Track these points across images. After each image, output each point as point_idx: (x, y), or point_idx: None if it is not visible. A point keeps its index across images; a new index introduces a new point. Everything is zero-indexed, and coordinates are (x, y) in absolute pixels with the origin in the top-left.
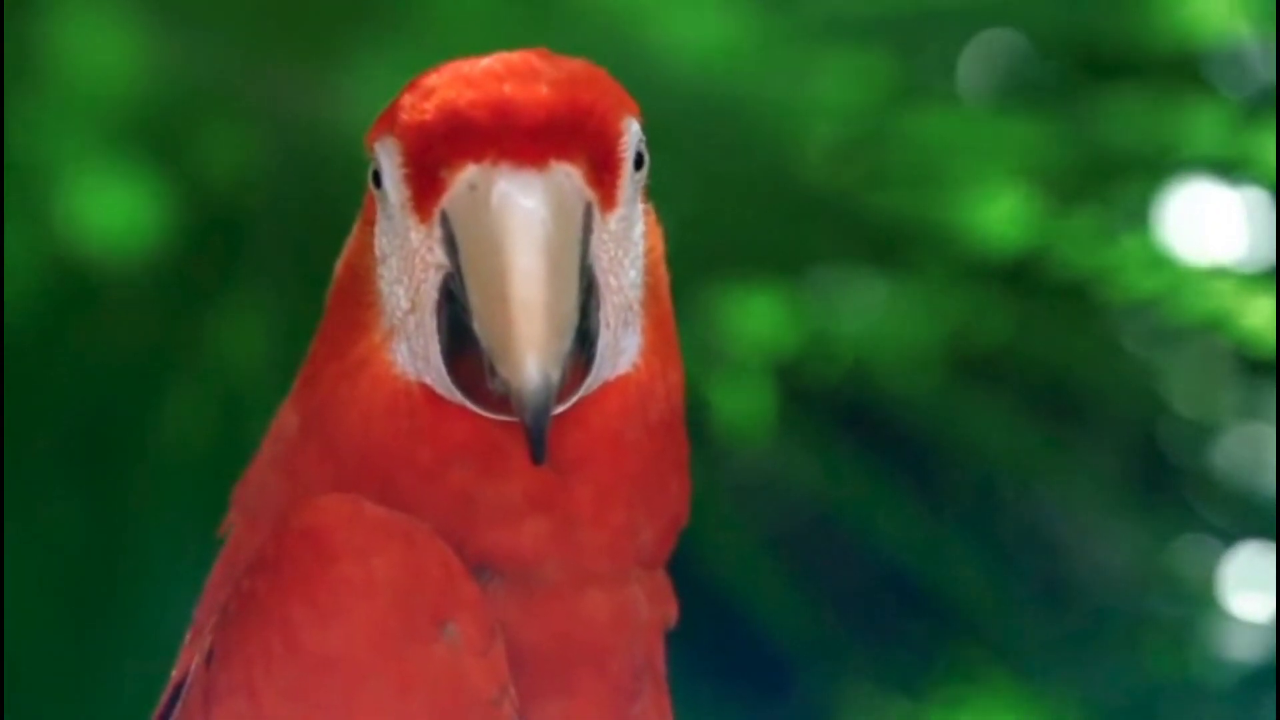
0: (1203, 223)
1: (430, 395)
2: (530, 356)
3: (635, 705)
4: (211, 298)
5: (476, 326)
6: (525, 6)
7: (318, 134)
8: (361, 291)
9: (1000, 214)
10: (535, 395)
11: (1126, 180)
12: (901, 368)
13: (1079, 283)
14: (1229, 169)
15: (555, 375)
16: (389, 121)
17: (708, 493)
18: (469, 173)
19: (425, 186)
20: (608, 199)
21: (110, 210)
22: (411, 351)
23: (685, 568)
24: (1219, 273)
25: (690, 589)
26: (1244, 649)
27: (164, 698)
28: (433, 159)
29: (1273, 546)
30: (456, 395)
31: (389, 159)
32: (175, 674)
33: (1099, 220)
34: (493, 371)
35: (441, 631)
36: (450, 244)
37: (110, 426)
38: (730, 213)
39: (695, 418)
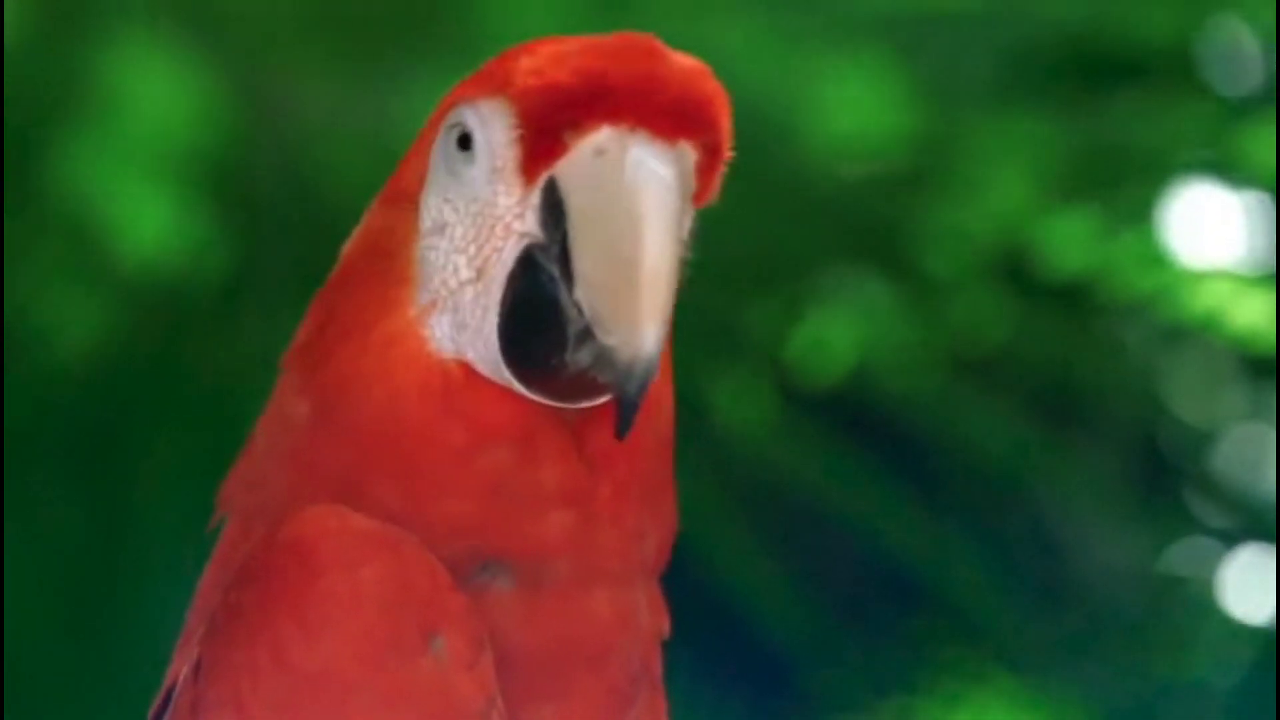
0: (1203, 223)
1: (469, 374)
2: (652, 325)
3: (631, 710)
4: (223, 305)
5: (582, 294)
6: (580, 15)
7: (371, 158)
8: (387, 268)
9: (1002, 216)
10: (649, 363)
11: (1126, 181)
12: (902, 369)
13: (1079, 284)
14: (1229, 169)
15: (661, 347)
16: (495, 83)
17: (708, 493)
18: (600, 137)
19: (541, 149)
20: (704, 189)
21: (151, 226)
22: (457, 325)
23: (685, 568)
24: (1218, 273)
25: (690, 589)
26: (1244, 650)
27: (156, 703)
28: (560, 121)
29: (1273, 549)
30: (504, 372)
31: (493, 120)
32: (167, 680)
33: (1099, 220)
34: (583, 341)
35: (429, 644)
36: (551, 210)
37: (113, 427)
38: (731, 213)
39: (696, 419)
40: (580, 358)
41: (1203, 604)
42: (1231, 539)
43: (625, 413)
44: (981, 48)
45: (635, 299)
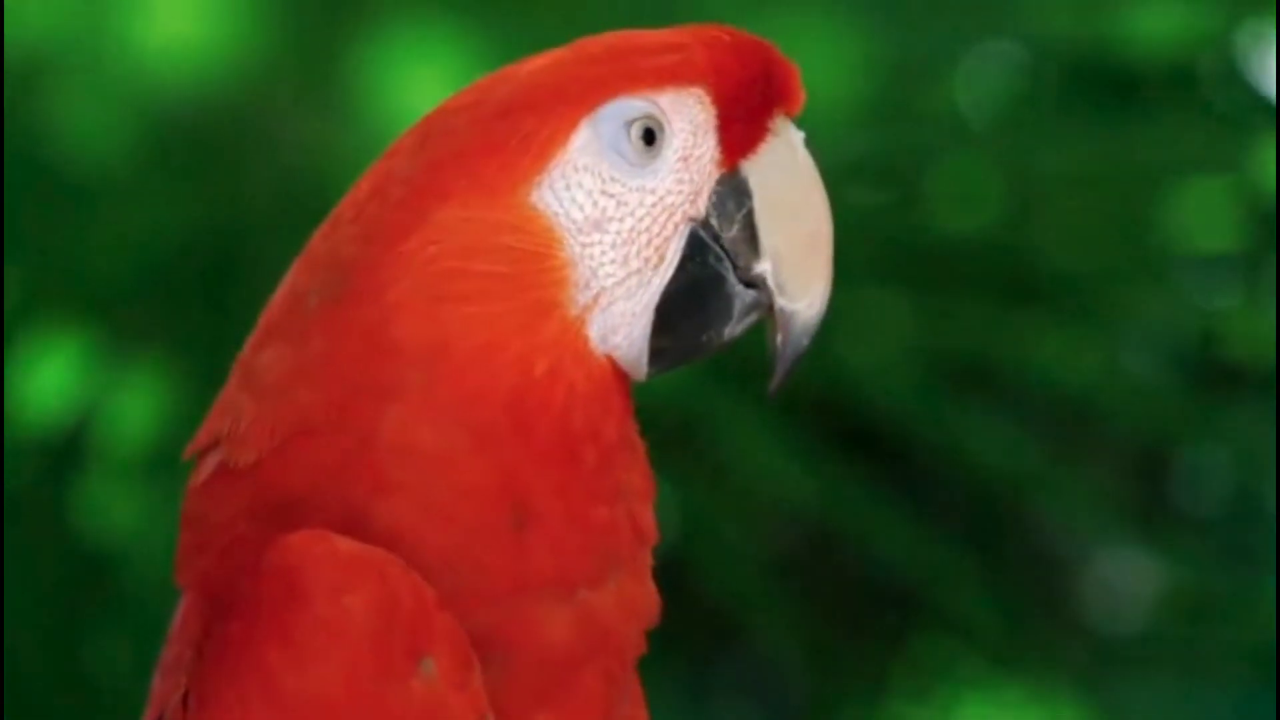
0: (1204, 233)
1: (616, 370)
2: (828, 288)
3: (623, 701)
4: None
5: (770, 267)
6: None
7: None
8: (522, 272)
9: (1004, 228)
10: (820, 323)
11: (1126, 190)
12: (902, 384)
13: (1080, 297)
14: (1231, 179)
15: None
16: (680, 75)
17: (709, 511)
18: (777, 123)
19: (749, 136)
20: None
21: None
22: (616, 318)
23: (684, 581)
24: (1223, 286)
25: (692, 608)
26: (1246, 667)
27: None
28: (766, 109)
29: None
30: (642, 358)
31: (682, 111)
32: (152, 706)
33: (1099, 232)
34: (747, 314)
35: (418, 666)
36: (732, 192)
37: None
38: None
39: (696, 434)
40: (738, 329)
41: (1207, 620)
42: (1235, 556)
43: (791, 371)
44: (980, 58)
45: (822, 267)
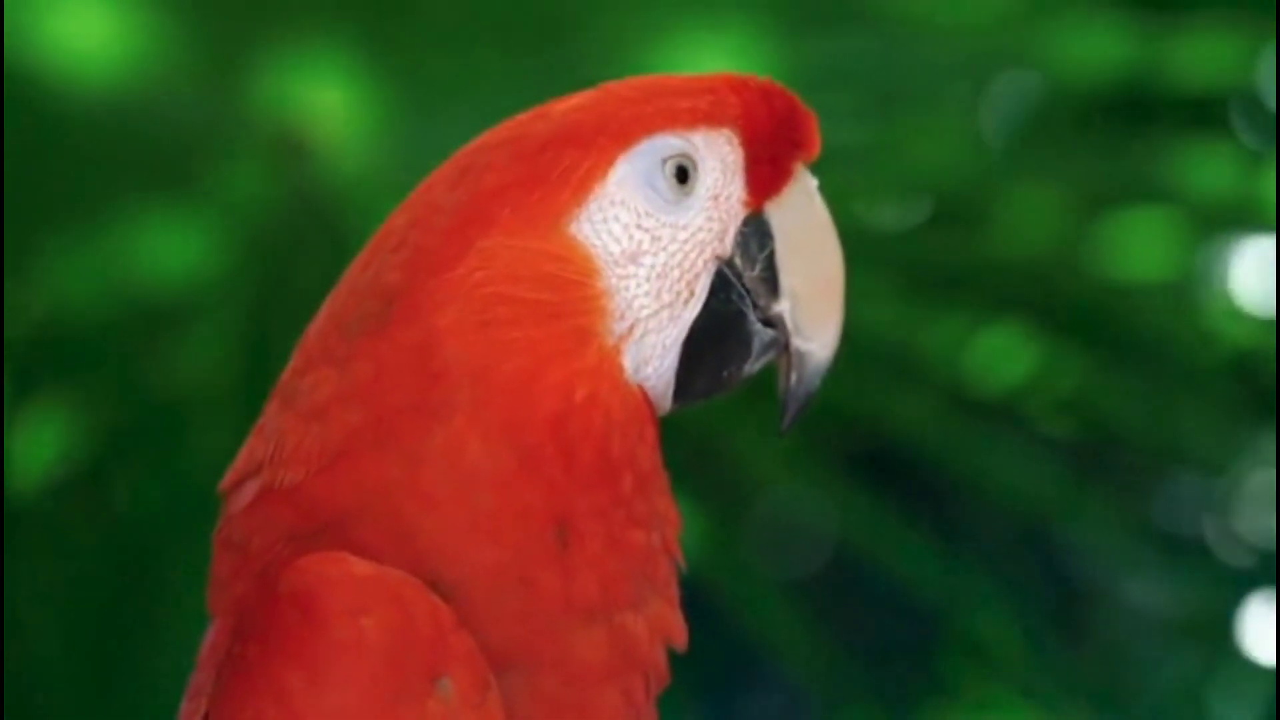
0: (1224, 265)
1: (647, 399)
2: (840, 329)
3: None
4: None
5: (788, 307)
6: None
7: None
8: (574, 300)
9: (1020, 256)
10: (831, 361)
11: (1146, 221)
12: (921, 409)
13: (1099, 325)
14: (1250, 211)
15: None
16: (713, 116)
17: (728, 536)
18: (797, 168)
19: (774, 179)
20: None
21: None
22: (646, 350)
23: (706, 609)
24: (1239, 315)
25: (712, 632)
26: (1259, 692)
27: None
28: (791, 154)
29: None
30: (669, 390)
31: (713, 151)
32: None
33: (1120, 261)
34: (764, 352)
35: (435, 687)
36: (755, 234)
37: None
38: None
39: (718, 460)
40: (755, 367)
41: (1219, 645)
42: (1250, 581)
43: (802, 410)
44: (1004, 87)
45: (836, 309)
